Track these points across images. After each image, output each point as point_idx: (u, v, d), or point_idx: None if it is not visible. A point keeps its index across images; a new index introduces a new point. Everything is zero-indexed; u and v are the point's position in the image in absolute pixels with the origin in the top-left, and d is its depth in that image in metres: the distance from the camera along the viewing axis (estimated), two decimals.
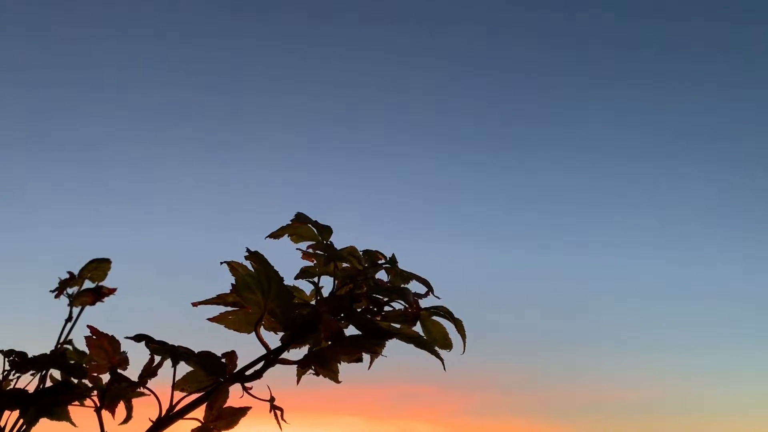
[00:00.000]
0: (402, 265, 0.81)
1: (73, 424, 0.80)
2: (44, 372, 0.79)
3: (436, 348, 0.75)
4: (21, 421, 0.76)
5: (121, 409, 0.78)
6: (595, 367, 4.20)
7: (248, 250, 0.70)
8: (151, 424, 0.67)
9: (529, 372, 4.13)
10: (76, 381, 0.78)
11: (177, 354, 0.67)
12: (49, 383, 0.79)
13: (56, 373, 0.80)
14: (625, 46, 4.16)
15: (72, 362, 0.79)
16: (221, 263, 0.71)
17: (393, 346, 0.75)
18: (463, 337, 0.76)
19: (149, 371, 0.69)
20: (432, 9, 3.98)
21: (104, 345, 0.69)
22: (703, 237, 4.37)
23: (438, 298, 0.78)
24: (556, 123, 4.33)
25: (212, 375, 0.69)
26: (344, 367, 0.75)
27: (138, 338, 0.67)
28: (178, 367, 0.71)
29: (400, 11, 3.94)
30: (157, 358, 0.69)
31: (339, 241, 0.81)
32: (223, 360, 0.69)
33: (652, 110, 4.28)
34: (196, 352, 0.70)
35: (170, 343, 0.68)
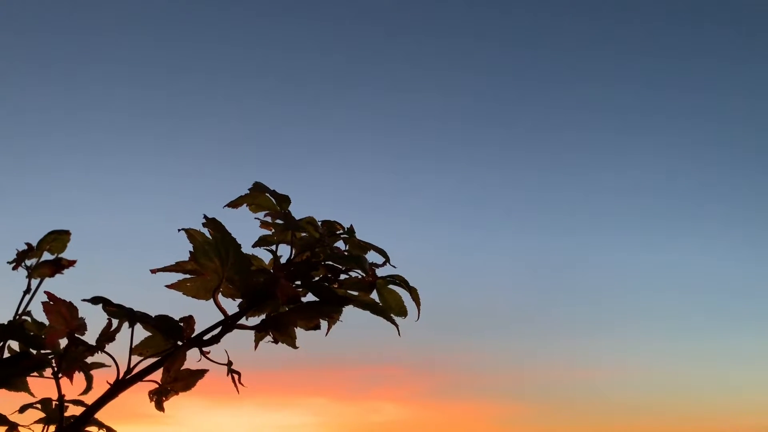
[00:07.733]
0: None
1: (31, 394, 0.80)
2: (2, 343, 0.79)
3: (392, 315, 0.77)
4: None
5: (81, 379, 0.78)
6: (561, 348, 4.28)
7: (206, 217, 0.71)
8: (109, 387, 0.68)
9: (495, 353, 4.19)
10: (34, 352, 0.79)
11: (134, 316, 0.68)
12: (7, 354, 0.79)
13: (14, 345, 0.80)
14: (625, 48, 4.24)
15: (31, 333, 0.79)
16: (179, 230, 0.72)
17: (358, 327, 0.76)
18: (418, 305, 0.78)
19: (107, 335, 0.70)
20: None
21: (62, 311, 0.69)
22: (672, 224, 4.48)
23: (394, 267, 0.80)
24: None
25: (170, 339, 0.70)
26: (310, 348, 0.76)
27: (95, 301, 0.68)
28: (136, 333, 0.72)
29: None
30: (115, 323, 0.70)
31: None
32: (181, 324, 0.70)
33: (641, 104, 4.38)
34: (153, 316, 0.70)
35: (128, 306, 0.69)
